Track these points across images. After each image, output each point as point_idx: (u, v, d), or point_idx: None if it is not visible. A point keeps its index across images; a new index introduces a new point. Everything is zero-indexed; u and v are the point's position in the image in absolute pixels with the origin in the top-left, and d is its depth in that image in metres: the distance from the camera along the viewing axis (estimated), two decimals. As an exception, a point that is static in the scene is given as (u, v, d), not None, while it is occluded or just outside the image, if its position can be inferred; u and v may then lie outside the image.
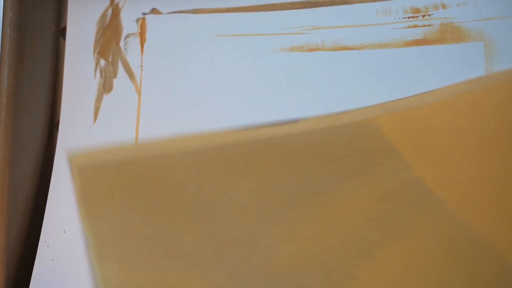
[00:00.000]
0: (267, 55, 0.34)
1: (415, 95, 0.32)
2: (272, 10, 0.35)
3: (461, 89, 0.31)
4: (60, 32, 0.41)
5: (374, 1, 0.34)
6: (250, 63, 0.34)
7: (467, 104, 0.30)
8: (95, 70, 0.37)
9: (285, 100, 0.32)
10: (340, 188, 0.28)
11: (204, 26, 0.35)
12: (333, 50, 0.33)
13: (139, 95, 0.34)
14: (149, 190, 0.27)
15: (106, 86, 0.37)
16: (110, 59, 0.37)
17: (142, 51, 0.36)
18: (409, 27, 0.34)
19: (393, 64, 0.33)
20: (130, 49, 0.37)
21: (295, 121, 0.31)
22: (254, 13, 0.34)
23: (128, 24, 0.37)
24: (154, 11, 0.36)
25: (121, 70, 0.37)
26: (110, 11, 0.37)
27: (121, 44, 0.37)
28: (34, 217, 0.40)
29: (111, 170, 0.28)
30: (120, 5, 0.37)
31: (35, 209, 0.40)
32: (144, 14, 0.37)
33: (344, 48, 0.33)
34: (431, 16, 0.34)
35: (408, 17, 0.34)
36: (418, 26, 0.34)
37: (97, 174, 0.28)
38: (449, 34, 0.33)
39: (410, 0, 0.34)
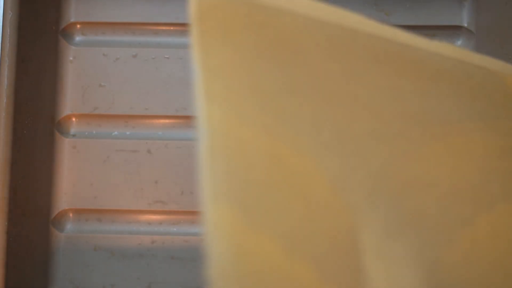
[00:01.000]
0: None
1: None
2: None
3: None
4: (60, 32, 0.41)
5: None
6: None
7: None
8: None
9: None
10: (465, 126, 0.25)
11: None
12: None
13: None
14: (270, 45, 0.22)
15: None
16: None
17: None
18: None
19: None
20: None
21: (430, 38, 0.28)
22: None
23: None
24: None
25: None
26: None
27: None
28: (34, 217, 0.40)
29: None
30: None
31: (36, 209, 0.40)
32: None
33: None
34: None
35: None
36: None
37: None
38: None
39: None
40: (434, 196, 0.23)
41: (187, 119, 0.42)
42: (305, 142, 0.21)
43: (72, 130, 0.41)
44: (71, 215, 0.41)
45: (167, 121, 0.42)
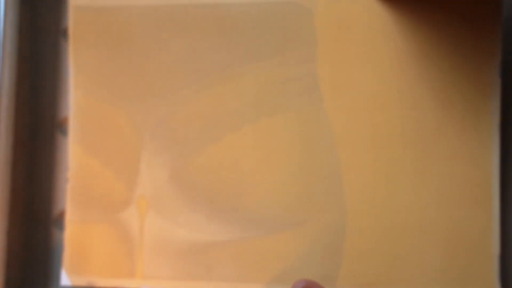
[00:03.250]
0: None
1: None
2: None
3: None
4: (61, 33, 0.41)
5: None
6: None
7: None
8: None
9: None
10: (250, 66, 0.38)
11: None
12: None
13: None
14: (108, 37, 0.39)
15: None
16: None
17: None
18: None
19: None
20: None
21: None
22: None
23: None
24: None
25: None
26: None
27: None
28: (34, 217, 0.40)
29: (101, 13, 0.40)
30: None
31: (36, 209, 0.40)
32: None
33: None
34: None
35: None
36: None
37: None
38: None
39: None
40: (196, 126, 0.38)
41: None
42: (130, 107, 0.39)
43: (73, 130, 0.41)
44: (71, 215, 0.41)
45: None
